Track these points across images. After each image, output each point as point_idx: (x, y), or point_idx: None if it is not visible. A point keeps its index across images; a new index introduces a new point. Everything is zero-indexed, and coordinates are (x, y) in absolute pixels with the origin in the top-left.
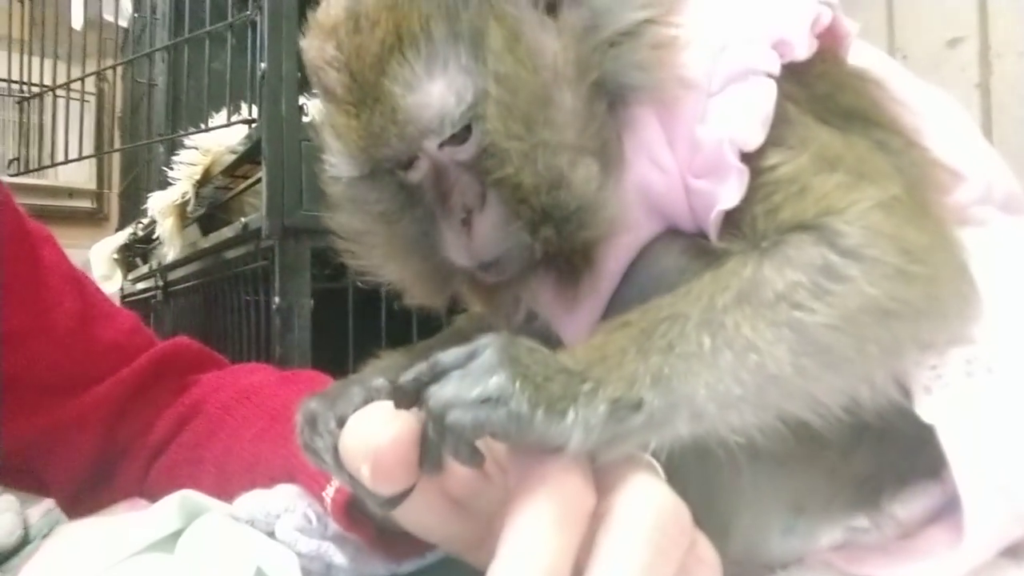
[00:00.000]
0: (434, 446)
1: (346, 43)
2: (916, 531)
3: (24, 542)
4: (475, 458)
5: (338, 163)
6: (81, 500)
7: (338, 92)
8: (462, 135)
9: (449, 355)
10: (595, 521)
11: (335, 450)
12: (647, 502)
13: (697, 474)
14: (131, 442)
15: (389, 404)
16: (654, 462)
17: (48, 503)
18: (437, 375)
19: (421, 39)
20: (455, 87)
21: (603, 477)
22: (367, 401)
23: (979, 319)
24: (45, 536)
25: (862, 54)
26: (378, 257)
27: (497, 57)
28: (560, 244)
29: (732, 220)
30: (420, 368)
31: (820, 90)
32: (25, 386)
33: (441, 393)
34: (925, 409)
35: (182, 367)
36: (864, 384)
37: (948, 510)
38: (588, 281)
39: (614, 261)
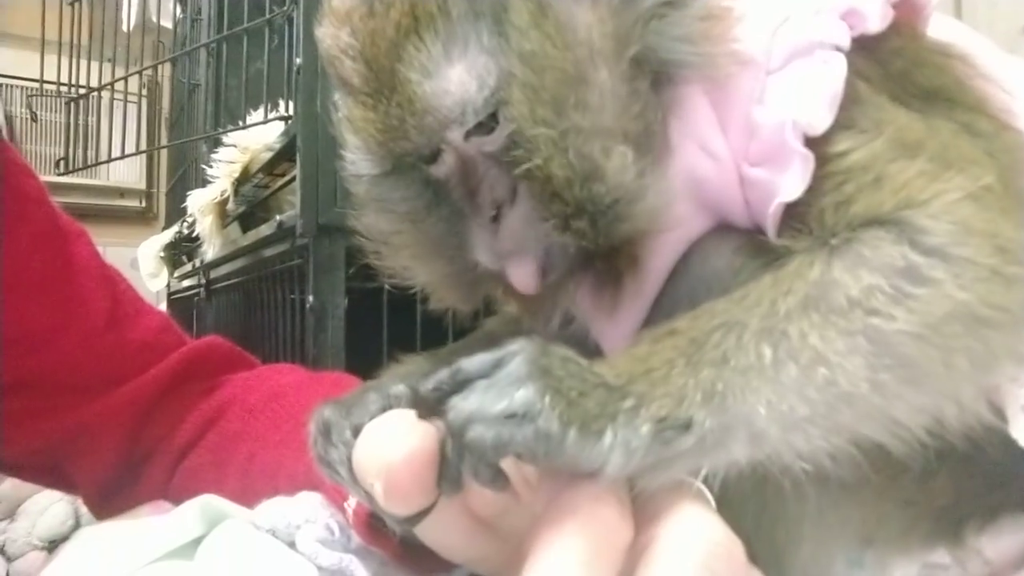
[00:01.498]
0: (453, 464)
1: (360, 29)
2: (1007, 572)
3: (76, 529)
4: (497, 480)
5: (358, 160)
6: (108, 500)
7: (354, 82)
8: (488, 124)
9: (474, 362)
10: (634, 555)
11: (350, 462)
12: (695, 536)
13: (752, 499)
14: (157, 443)
15: (407, 413)
16: (704, 488)
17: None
18: (460, 384)
19: (439, 19)
20: (476, 70)
21: (645, 506)
22: (385, 410)
23: None
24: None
25: (942, 27)
26: (406, 259)
27: (522, 34)
28: (598, 241)
29: (794, 215)
30: (442, 376)
31: (896, 67)
32: (52, 385)
33: (462, 406)
34: (1023, 432)
35: (211, 368)
36: (951, 402)
37: None
38: (630, 283)
39: (659, 260)
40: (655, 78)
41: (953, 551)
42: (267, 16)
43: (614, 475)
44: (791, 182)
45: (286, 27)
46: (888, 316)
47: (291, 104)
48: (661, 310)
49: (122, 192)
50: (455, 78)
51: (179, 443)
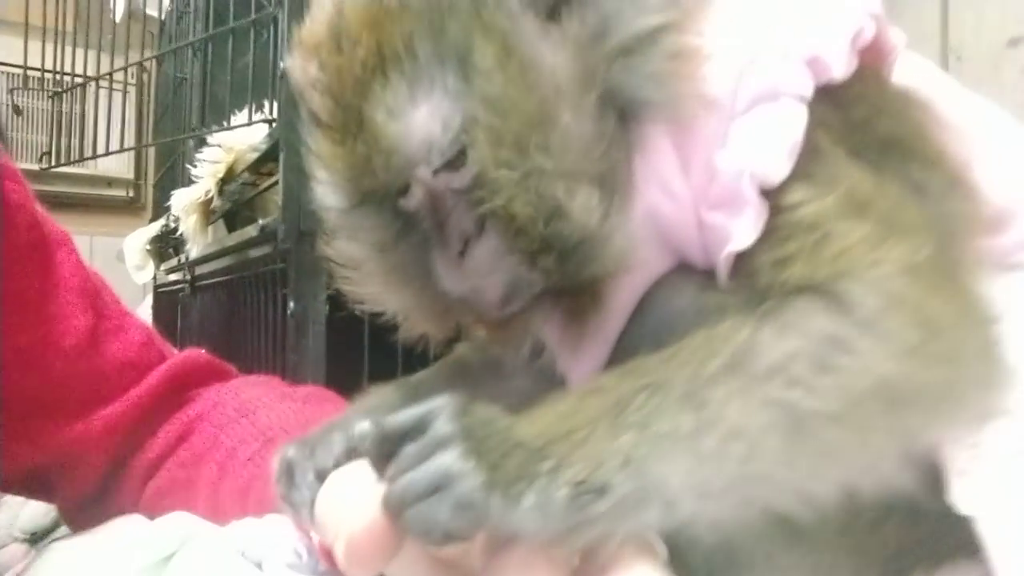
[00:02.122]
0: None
1: (328, 64)
2: None
3: (59, 522)
4: (449, 542)
5: (327, 193)
6: (83, 511)
7: (322, 117)
8: (457, 161)
9: (397, 422)
10: None
11: (312, 505)
12: None
13: (703, 548)
14: (129, 458)
15: (367, 472)
16: (654, 541)
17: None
18: (393, 446)
19: (404, 59)
20: (441, 113)
21: (595, 557)
22: (348, 451)
23: (1008, 394)
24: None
25: (908, 64)
26: (376, 287)
27: (486, 77)
28: (563, 279)
29: (742, 265)
30: (375, 443)
31: (857, 115)
32: (34, 407)
33: (395, 489)
34: (961, 497)
35: (188, 383)
36: (866, 475)
37: None
38: (594, 320)
39: (622, 299)
40: (621, 117)
41: None
42: (253, 16)
43: (533, 538)
44: (743, 231)
45: (271, 27)
46: (807, 388)
47: (275, 106)
48: (625, 347)
49: (109, 181)
50: (419, 121)
51: (150, 457)
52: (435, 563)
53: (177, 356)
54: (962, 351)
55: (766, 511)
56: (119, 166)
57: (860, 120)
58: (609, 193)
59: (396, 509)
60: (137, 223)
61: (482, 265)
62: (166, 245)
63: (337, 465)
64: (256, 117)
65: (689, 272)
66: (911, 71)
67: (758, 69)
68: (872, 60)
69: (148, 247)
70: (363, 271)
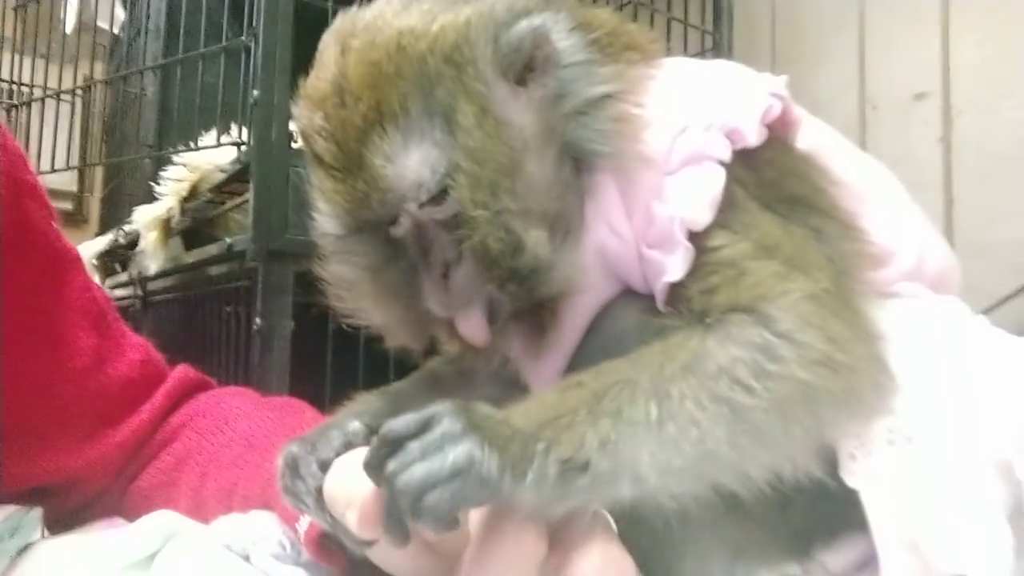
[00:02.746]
0: (400, 521)
1: (332, 115)
2: None
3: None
4: (455, 525)
5: (327, 222)
6: (71, 517)
7: (326, 159)
8: (440, 197)
9: (401, 424)
10: (549, 568)
11: (317, 493)
12: (595, 555)
13: (647, 523)
14: (128, 474)
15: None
16: (608, 517)
17: (9, 508)
18: (394, 446)
19: (399, 116)
20: (429, 160)
21: (561, 531)
22: (346, 445)
23: (896, 396)
24: (11, 539)
25: (813, 128)
26: (365, 304)
27: (466, 132)
28: (525, 301)
29: (675, 292)
30: (375, 445)
31: (768, 175)
32: (42, 430)
33: (410, 477)
34: (850, 475)
35: (181, 400)
36: (788, 461)
37: (874, 561)
38: (553, 334)
39: (577, 317)
40: (576, 165)
41: (804, 564)
42: (223, 43)
43: (531, 509)
44: (675, 266)
45: (243, 54)
46: (747, 387)
47: (244, 130)
48: (581, 358)
49: (52, 193)
50: (411, 165)
51: (134, 464)
52: (419, 545)
53: (173, 376)
54: (859, 362)
55: (712, 488)
56: (63, 178)
57: (770, 180)
58: (562, 229)
59: (415, 495)
60: (80, 236)
61: (462, 289)
62: (113, 260)
63: (337, 456)
64: (224, 139)
65: (633, 297)
66: (815, 132)
67: (687, 137)
68: (780, 130)
69: (95, 262)
70: (355, 290)
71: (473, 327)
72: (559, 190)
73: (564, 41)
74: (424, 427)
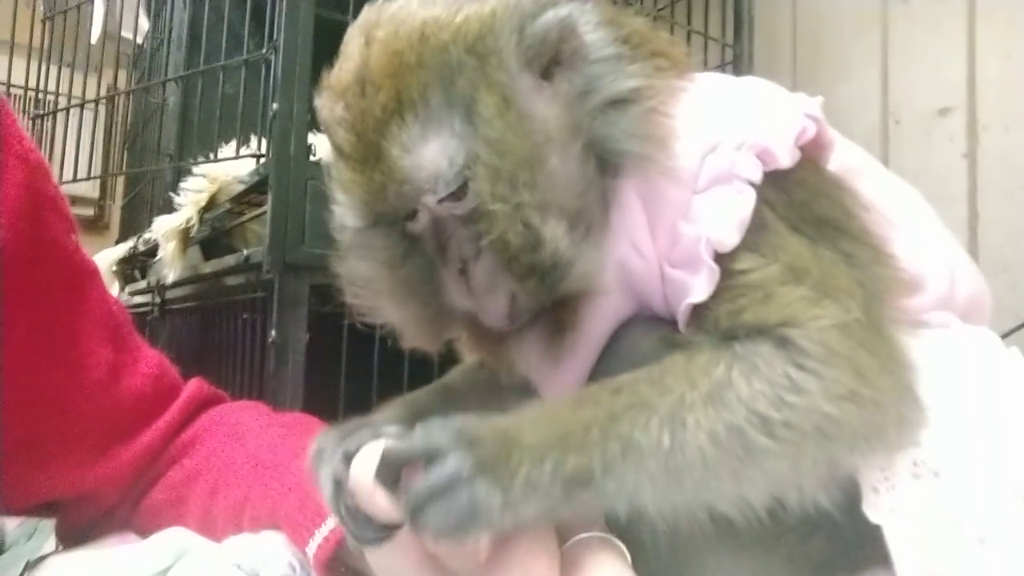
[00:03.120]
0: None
1: (353, 105)
2: None
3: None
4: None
5: (345, 213)
6: (83, 531)
7: (345, 149)
8: (459, 193)
9: (403, 450)
10: None
11: (334, 483)
12: None
13: (665, 555)
14: (140, 488)
15: None
16: (621, 546)
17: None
18: (396, 469)
19: (419, 105)
20: (448, 151)
21: (575, 555)
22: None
23: (922, 430)
24: (28, 542)
25: (845, 153)
26: (381, 300)
27: (487, 123)
28: (546, 297)
29: (699, 314)
30: (380, 465)
31: (798, 197)
32: (56, 443)
33: (424, 519)
34: (872, 509)
35: (194, 415)
36: (794, 491)
37: None
38: (572, 336)
39: (596, 325)
40: (602, 165)
41: None
42: (244, 56)
43: (532, 521)
44: (699, 287)
45: (263, 68)
46: (766, 422)
47: (263, 142)
48: (598, 377)
49: (74, 200)
50: (430, 156)
51: (145, 479)
52: (424, 559)
53: (187, 391)
54: (884, 395)
55: (709, 514)
56: (84, 185)
57: (800, 201)
58: (584, 227)
59: (431, 535)
60: (101, 242)
61: (485, 279)
62: (133, 267)
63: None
64: (243, 150)
65: (654, 324)
66: (846, 154)
67: (718, 156)
68: (812, 152)
69: (114, 268)
70: (372, 286)
71: (496, 311)
72: (581, 187)
73: (592, 35)
74: (428, 458)
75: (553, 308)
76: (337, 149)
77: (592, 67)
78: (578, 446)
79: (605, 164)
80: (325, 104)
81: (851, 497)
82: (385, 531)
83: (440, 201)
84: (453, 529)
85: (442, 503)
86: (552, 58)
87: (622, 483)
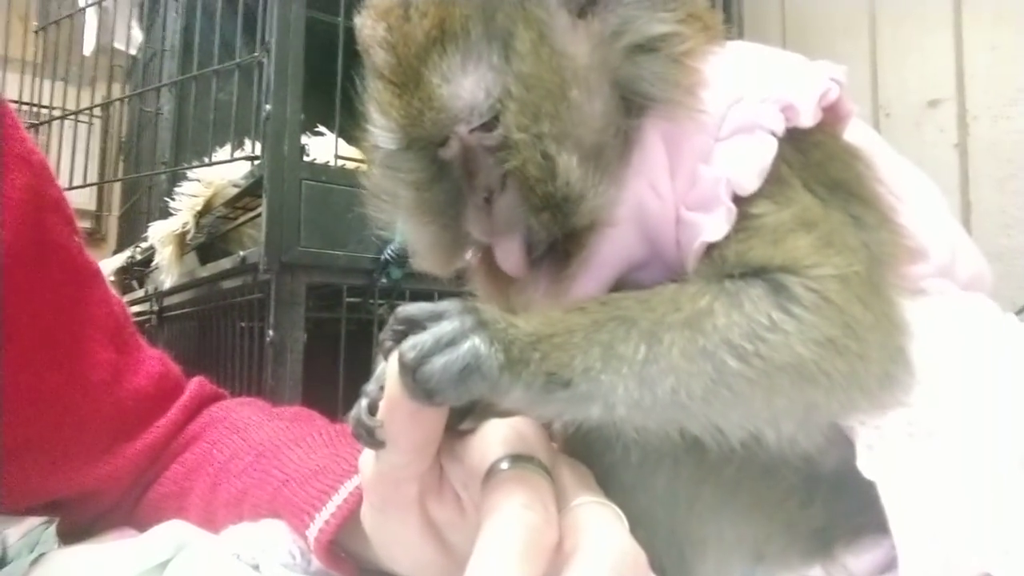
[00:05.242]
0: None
1: (396, 28)
2: None
3: (2, 563)
4: (460, 402)
5: (380, 135)
6: (82, 526)
7: (385, 72)
8: (490, 124)
9: (414, 308)
10: (560, 558)
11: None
12: (608, 545)
13: (665, 521)
14: (143, 485)
15: None
16: (618, 511)
17: (28, 525)
18: (409, 327)
19: (460, 36)
20: (484, 83)
21: (573, 519)
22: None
23: (911, 391)
24: (31, 555)
25: (858, 132)
26: (403, 218)
27: (521, 58)
28: (557, 230)
29: (708, 256)
30: (391, 323)
31: (814, 158)
32: (59, 445)
33: (431, 369)
34: (866, 465)
35: (196, 413)
36: (769, 428)
37: (896, 562)
38: (578, 268)
39: (603, 264)
40: (627, 108)
41: (825, 565)
42: (237, 60)
43: (514, 404)
44: (715, 226)
45: (256, 70)
46: (738, 350)
47: (257, 145)
48: None
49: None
50: (467, 87)
51: (147, 475)
52: (429, 527)
53: (189, 389)
54: (872, 351)
55: (681, 432)
56: (81, 197)
57: (816, 162)
58: (602, 164)
59: (431, 391)
60: (98, 255)
61: (505, 217)
62: (130, 277)
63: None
64: (237, 154)
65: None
66: (858, 135)
67: (743, 106)
68: (831, 118)
69: (112, 278)
70: (396, 203)
71: (510, 256)
72: (602, 124)
73: None
74: (436, 318)
75: (563, 241)
76: (376, 71)
77: (626, 10)
78: (561, 345)
79: (630, 105)
80: (367, 24)
81: (848, 464)
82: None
83: (472, 131)
84: (454, 380)
85: (447, 351)
86: None
87: (597, 386)
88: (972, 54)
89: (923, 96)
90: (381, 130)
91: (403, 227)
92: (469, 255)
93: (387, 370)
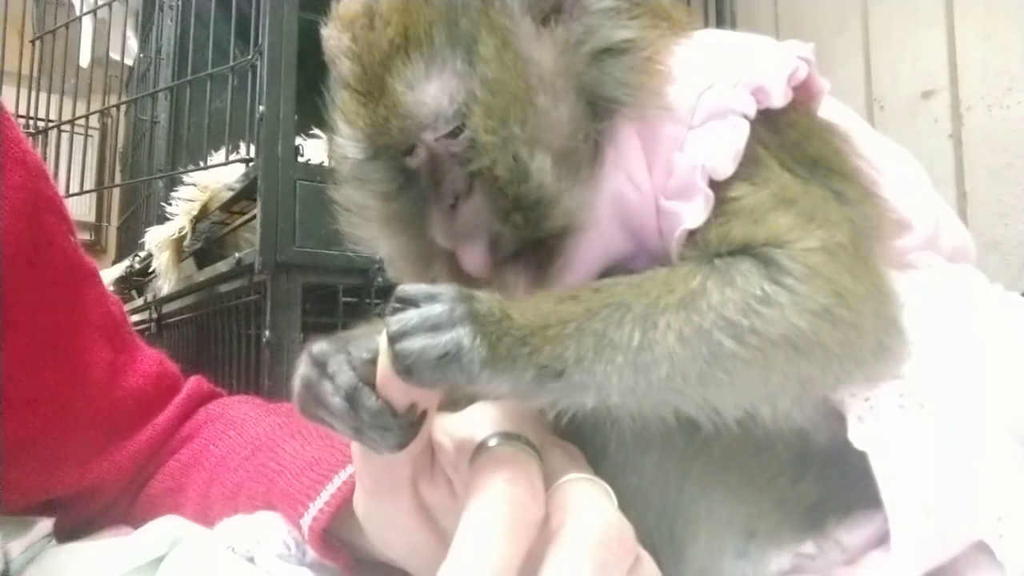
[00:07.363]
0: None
1: (360, 37)
2: (859, 556)
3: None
4: (434, 388)
5: (346, 145)
6: (79, 524)
7: (350, 81)
8: (456, 131)
9: (413, 289)
10: (546, 533)
11: (349, 391)
12: (595, 520)
13: (656, 500)
14: (139, 483)
15: None
16: (607, 487)
17: (32, 537)
18: (405, 305)
19: (424, 43)
20: (449, 89)
21: (560, 496)
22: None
23: (904, 362)
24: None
25: (834, 109)
26: (373, 231)
27: (486, 63)
28: (530, 233)
29: (691, 242)
30: (393, 301)
31: (790, 137)
32: (56, 444)
33: (410, 345)
34: (858, 436)
35: (193, 412)
36: (766, 405)
37: (889, 536)
38: (557, 272)
39: (584, 262)
40: (594, 111)
41: (818, 541)
42: (231, 63)
43: (503, 396)
44: (694, 213)
45: (249, 72)
46: (734, 327)
47: (252, 147)
48: None
49: None
50: (432, 93)
51: (144, 473)
52: (420, 510)
53: (187, 388)
54: (865, 320)
55: (676, 415)
56: (81, 208)
57: (793, 142)
58: (573, 167)
59: (409, 368)
60: (98, 265)
61: (469, 221)
62: (129, 287)
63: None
64: (232, 158)
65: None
66: (834, 112)
67: (713, 93)
68: (804, 96)
69: (112, 288)
70: (365, 216)
71: (473, 258)
72: (571, 129)
73: None
74: (430, 299)
75: (538, 245)
76: (342, 79)
77: (591, 17)
78: (554, 337)
79: (598, 109)
80: (333, 35)
81: (840, 439)
82: (407, 425)
83: (438, 139)
84: (433, 365)
85: (429, 335)
86: (554, 6)
87: (591, 375)
88: (965, 44)
89: (917, 87)
90: (348, 140)
91: (374, 239)
92: (439, 265)
93: (380, 344)
